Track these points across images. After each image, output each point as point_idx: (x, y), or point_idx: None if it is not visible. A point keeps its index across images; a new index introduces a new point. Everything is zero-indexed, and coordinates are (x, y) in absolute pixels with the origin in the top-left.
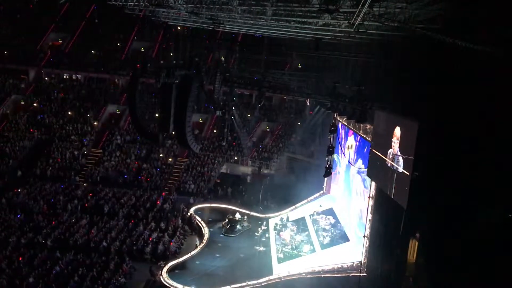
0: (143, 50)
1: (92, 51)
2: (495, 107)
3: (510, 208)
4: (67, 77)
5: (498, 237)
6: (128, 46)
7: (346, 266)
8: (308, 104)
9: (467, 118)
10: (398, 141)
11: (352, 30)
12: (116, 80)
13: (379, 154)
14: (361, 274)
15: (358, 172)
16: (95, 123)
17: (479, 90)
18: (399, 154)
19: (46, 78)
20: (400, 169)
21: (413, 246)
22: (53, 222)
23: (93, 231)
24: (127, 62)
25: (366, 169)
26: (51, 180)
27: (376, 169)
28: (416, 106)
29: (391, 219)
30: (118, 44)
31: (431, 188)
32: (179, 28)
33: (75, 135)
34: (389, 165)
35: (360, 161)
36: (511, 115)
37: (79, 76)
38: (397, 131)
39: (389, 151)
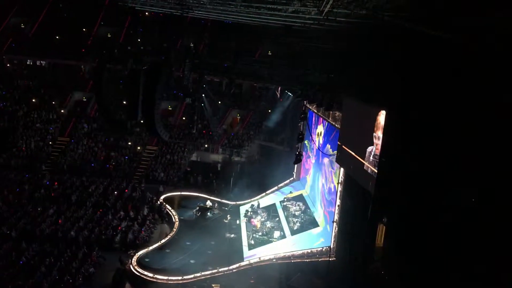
0: (109, 35)
1: (57, 37)
2: (465, 97)
3: (474, 192)
4: (31, 63)
5: (463, 220)
6: (94, 32)
7: (315, 251)
8: (279, 92)
9: (436, 106)
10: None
11: (322, 17)
12: (82, 66)
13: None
14: (330, 259)
15: (326, 156)
16: (61, 111)
17: (449, 78)
18: None
19: (8, 65)
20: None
21: (381, 230)
22: (18, 213)
23: (60, 220)
24: (93, 48)
25: (335, 153)
26: (15, 170)
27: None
28: (384, 94)
29: (359, 204)
30: (84, 29)
31: (398, 173)
32: (146, 13)
33: (40, 123)
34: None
35: (328, 146)
36: (481, 102)
37: (43, 62)
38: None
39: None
